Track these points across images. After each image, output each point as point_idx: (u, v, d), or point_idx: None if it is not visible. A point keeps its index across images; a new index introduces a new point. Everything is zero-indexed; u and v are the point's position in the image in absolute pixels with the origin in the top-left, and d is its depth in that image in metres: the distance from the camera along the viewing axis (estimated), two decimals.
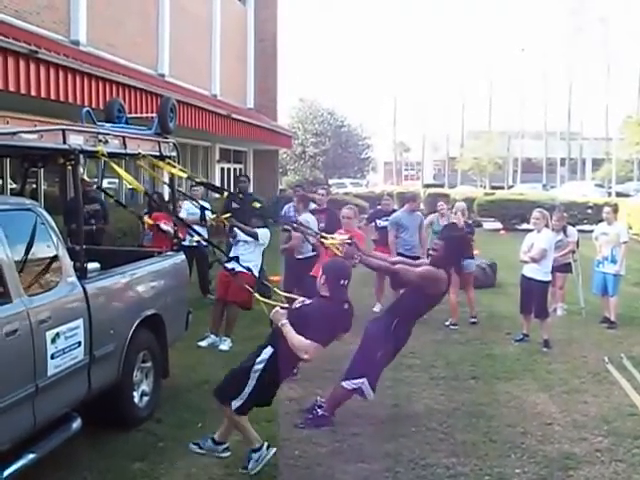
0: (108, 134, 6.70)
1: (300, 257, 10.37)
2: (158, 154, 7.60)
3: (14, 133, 5.31)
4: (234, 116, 23.05)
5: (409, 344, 10.21)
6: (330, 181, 46.75)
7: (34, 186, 14.94)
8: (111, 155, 6.74)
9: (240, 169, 32.08)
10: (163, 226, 9.41)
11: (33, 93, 11.69)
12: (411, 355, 9.79)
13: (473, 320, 11.93)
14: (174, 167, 7.69)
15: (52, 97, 12.25)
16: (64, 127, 5.97)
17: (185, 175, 7.77)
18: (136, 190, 6.75)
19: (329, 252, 7.39)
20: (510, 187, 54.39)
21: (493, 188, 49.25)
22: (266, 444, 5.99)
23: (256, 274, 9.33)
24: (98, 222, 11.38)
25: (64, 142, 5.91)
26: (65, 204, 12.06)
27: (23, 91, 11.40)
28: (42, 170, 13.60)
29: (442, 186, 55.35)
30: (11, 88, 11.09)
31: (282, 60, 34.79)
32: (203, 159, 27.53)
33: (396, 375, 8.87)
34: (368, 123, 71.95)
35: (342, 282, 6.06)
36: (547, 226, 10.60)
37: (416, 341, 10.51)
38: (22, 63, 11.34)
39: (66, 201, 12.72)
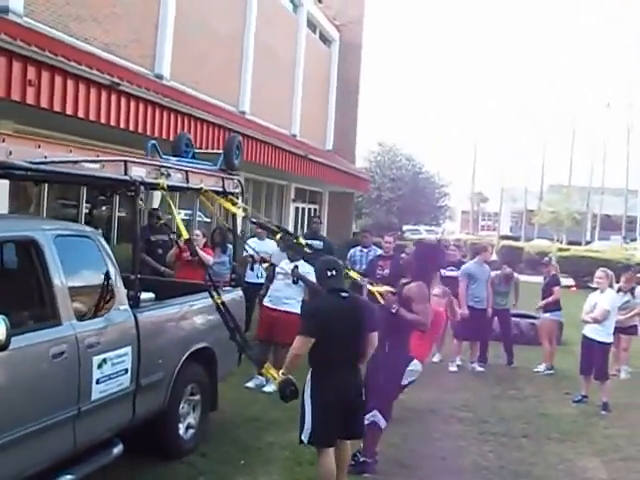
0: (171, 167, 6.85)
1: None
2: (221, 190, 7.71)
3: (76, 162, 5.48)
4: (311, 157, 23.20)
5: (463, 397, 10.20)
6: (404, 227, 46.68)
7: (107, 213, 15.28)
8: (173, 188, 6.88)
9: (315, 209, 32.27)
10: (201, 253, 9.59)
11: (112, 123, 11.98)
12: (464, 408, 9.67)
13: (550, 371, 12.27)
14: (235, 204, 7.81)
15: (131, 128, 12.54)
16: (126, 159, 6.14)
17: (243, 214, 7.86)
18: (181, 235, 6.78)
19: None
20: (587, 243, 53.35)
21: (570, 244, 48.33)
22: None
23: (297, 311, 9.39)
24: (165, 252, 11.51)
25: (125, 173, 6.07)
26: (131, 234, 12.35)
27: (103, 121, 11.70)
28: (117, 198, 13.85)
29: (518, 239, 54.62)
30: (91, 117, 11.40)
31: (363, 103, 35.05)
32: (278, 197, 27.78)
33: (447, 428, 8.76)
34: (446, 171, 71.98)
35: (329, 273, 6.11)
36: (611, 286, 10.34)
37: (472, 394, 10.45)
38: (104, 94, 11.66)
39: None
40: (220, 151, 8.41)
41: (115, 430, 5.91)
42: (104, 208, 15.06)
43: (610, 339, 10.24)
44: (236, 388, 9.30)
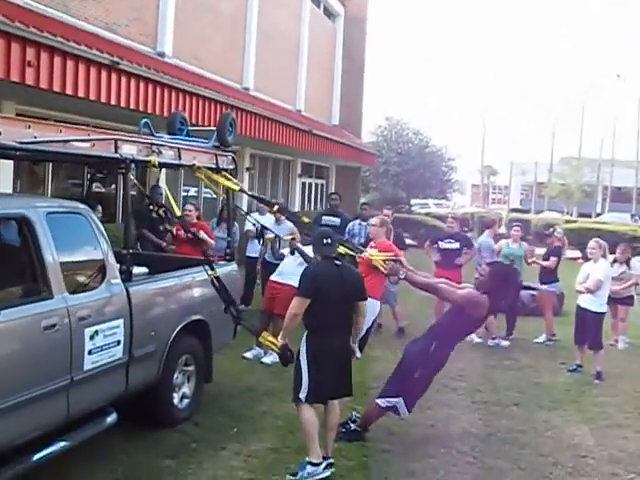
0: (162, 145, 7.01)
1: None
2: (214, 166, 7.88)
3: (66, 141, 5.66)
4: (315, 132, 23.28)
5: (458, 366, 10.35)
6: (413, 201, 46.68)
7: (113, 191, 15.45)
8: (165, 165, 7.05)
9: (322, 184, 32.39)
10: (202, 235, 9.77)
11: (113, 102, 12.14)
12: (459, 378, 9.83)
13: (550, 342, 12.49)
14: (229, 180, 7.97)
15: (132, 107, 12.68)
16: (116, 137, 6.32)
17: (237, 188, 8.01)
18: (172, 209, 6.94)
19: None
20: (598, 215, 53.24)
21: (580, 216, 48.32)
22: (324, 464, 6.15)
23: None
24: (166, 229, 11.65)
25: (115, 151, 6.24)
26: (134, 210, 12.57)
27: (103, 100, 11.87)
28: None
29: (528, 212, 54.57)
30: (92, 97, 11.57)
31: (369, 78, 35.17)
32: (284, 173, 27.90)
33: (439, 397, 8.91)
34: (454, 145, 71.99)
35: (325, 241, 6.43)
36: (604, 256, 10.47)
37: (467, 364, 10.61)
38: (104, 73, 11.80)
39: (134, 207, 13.21)
40: (213, 128, 8.53)
41: (109, 400, 6.12)
42: (112, 187, 15.24)
43: (603, 309, 10.39)
44: (234, 359, 9.53)
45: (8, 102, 12.08)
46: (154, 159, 6.70)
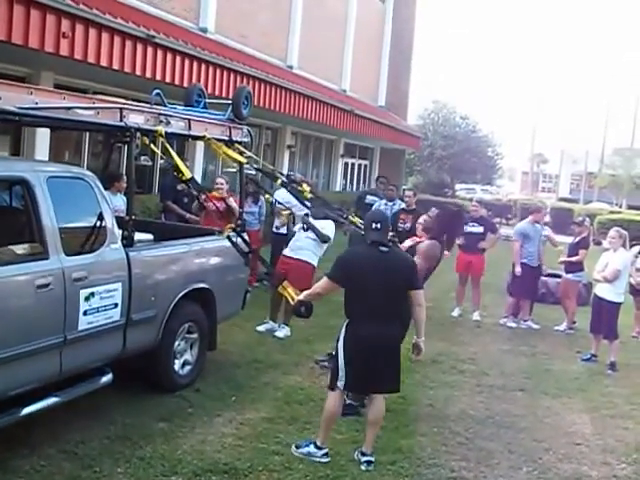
0: (171, 115, 7.14)
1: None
2: (227, 139, 8.00)
3: (69, 108, 5.82)
4: (357, 112, 23.28)
5: (471, 350, 10.40)
6: (458, 186, 46.46)
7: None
8: (174, 136, 7.20)
9: (365, 165, 32.38)
10: (231, 202, 9.96)
11: (148, 75, 12.36)
12: (469, 361, 9.88)
13: (570, 331, 12.38)
14: (242, 153, 8.10)
15: (167, 80, 12.87)
16: (122, 106, 6.47)
17: (245, 161, 8.11)
18: (182, 176, 6.99)
19: None
20: None
21: (630, 208, 47.42)
22: (325, 451, 6.21)
23: (314, 264, 9.72)
24: (190, 201, 11.84)
25: (121, 120, 6.39)
26: (161, 182, 12.85)
27: (138, 73, 12.10)
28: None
29: (577, 201, 53.77)
30: (126, 69, 11.82)
31: (418, 60, 35.00)
32: (327, 152, 27.97)
33: (444, 378, 8.99)
34: (501, 131, 71.42)
35: (374, 225, 6.14)
36: (624, 246, 10.37)
37: (480, 348, 10.66)
38: (139, 46, 12.01)
39: (162, 180, 13.50)
40: (229, 101, 8.64)
41: (105, 360, 6.32)
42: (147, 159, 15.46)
43: (620, 299, 10.28)
44: (247, 332, 9.72)
45: (47, 73, 12.39)
46: (161, 129, 6.83)
